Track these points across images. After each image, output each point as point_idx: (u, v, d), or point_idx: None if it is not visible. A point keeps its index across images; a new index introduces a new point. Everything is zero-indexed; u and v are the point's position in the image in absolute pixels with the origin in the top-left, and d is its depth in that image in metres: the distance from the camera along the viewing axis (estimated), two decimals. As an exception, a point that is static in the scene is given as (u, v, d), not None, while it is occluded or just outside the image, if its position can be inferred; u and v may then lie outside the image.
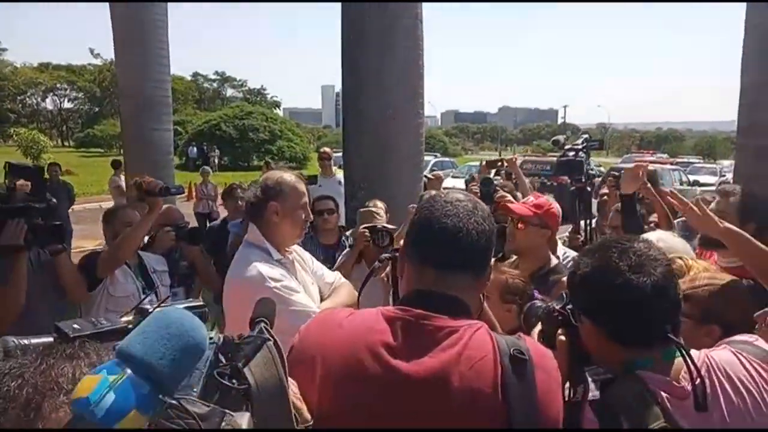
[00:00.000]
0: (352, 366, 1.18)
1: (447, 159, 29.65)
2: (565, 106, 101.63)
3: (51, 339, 1.08)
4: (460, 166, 22.65)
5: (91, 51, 61.97)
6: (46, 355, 0.88)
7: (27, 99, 57.61)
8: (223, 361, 1.01)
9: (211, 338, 1.00)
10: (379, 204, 3.68)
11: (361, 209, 3.59)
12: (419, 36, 4.98)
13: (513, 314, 2.18)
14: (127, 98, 8.09)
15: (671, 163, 20.81)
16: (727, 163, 34.56)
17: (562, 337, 1.35)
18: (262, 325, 1.11)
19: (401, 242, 1.51)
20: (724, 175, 23.92)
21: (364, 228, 3.35)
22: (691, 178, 19.10)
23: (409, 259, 1.30)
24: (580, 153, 4.00)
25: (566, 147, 4.05)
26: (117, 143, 41.00)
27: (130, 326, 1.17)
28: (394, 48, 4.82)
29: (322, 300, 2.41)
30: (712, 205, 3.01)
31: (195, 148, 32.94)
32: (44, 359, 0.87)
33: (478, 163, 19.58)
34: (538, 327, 1.47)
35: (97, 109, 57.95)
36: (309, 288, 2.35)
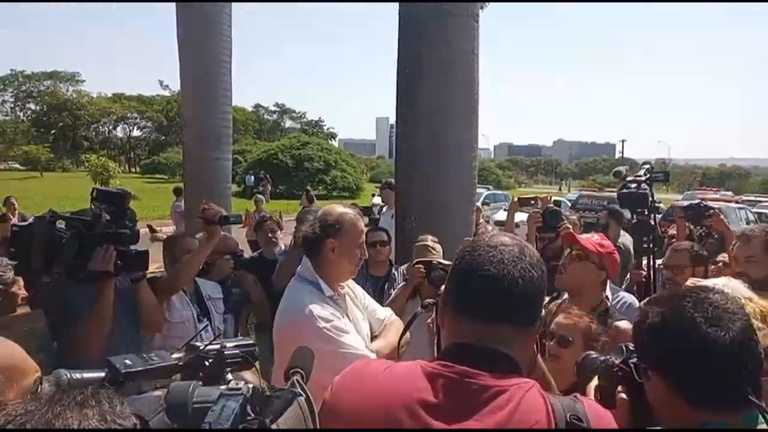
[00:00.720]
0: (389, 426, 1.09)
1: (500, 192, 29.34)
2: (623, 141, 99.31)
3: (102, 374, 1.10)
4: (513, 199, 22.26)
5: (161, 83, 65.42)
6: (56, 402, 0.84)
7: (100, 127, 60.89)
8: (251, 414, 0.99)
9: (238, 389, 0.98)
10: (430, 238, 3.65)
11: (417, 243, 3.57)
12: (475, 69, 4.98)
13: None
14: (190, 128, 8.38)
15: (737, 201, 19.85)
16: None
17: (624, 395, 1.26)
18: (296, 378, 1.08)
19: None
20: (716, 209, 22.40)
21: (420, 263, 3.32)
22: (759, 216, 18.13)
23: (450, 309, 1.21)
24: (643, 185, 3.86)
25: (628, 179, 3.92)
26: (180, 170, 42.64)
27: (180, 363, 1.18)
28: (449, 81, 4.83)
29: (372, 336, 2.39)
30: (735, 251, 2.87)
31: (252, 177, 33.85)
32: (52, 407, 0.83)
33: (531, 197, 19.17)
34: (595, 381, 1.39)
35: (163, 138, 60.63)
36: (360, 324, 2.32)
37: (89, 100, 60.16)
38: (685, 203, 4.68)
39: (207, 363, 1.20)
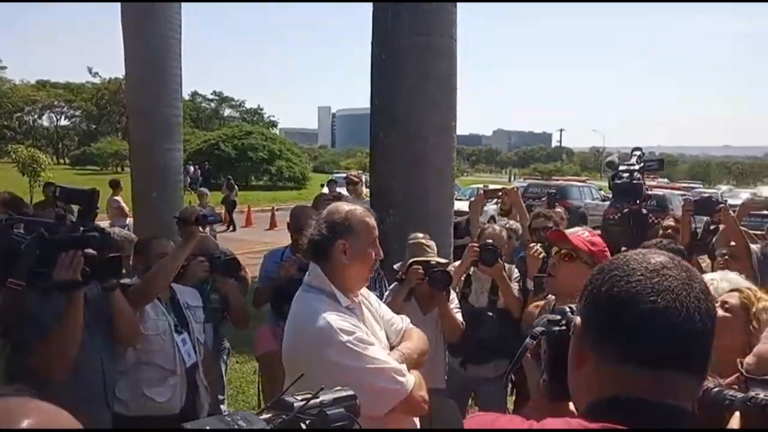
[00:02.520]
0: None
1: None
2: (561, 130, 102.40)
3: None
4: (463, 188, 22.39)
5: (89, 70, 61.88)
6: None
7: (24, 116, 57.38)
8: None
9: None
10: (421, 235, 3.43)
11: (410, 241, 3.33)
12: (454, 55, 4.79)
13: None
14: (138, 118, 7.85)
15: (678, 188, 20.67)
16: (725, 188, 34.75)
17: None
18: None
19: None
20: (725, 201, 23.78)
21: (417, 263, 3.10)
22: (697, 203, 18.94)
23: (599, 349, 0.95)
24: (635, 174, 3.76)
25: (620, 168, 3.82)
26: (113, 161, 40.76)
27: (273, 427, 0.92)
28: (428, 67, 4.62)
29: (391, 347, 2.15)
30: None
31: (192, 168, 32.70)
32: None
33: (480, 185, 19.43)
34: (736, 420, 1.19)
35: (94, 127, 57.74)
36: (378, 335, 2.08)
37: (11, 87, 56.46)
38: (695, 196, 4.61)
39: (304, 426, 0.93)
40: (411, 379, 1.90)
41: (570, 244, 2.37)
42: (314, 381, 1.08)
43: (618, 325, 0.92)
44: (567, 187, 19.82)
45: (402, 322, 2.28)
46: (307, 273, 2.10)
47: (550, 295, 2.68)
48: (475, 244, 3.43)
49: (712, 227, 4.19)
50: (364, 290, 2.19)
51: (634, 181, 3.67)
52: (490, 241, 3.44)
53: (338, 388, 1.05)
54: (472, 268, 3.53)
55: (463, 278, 3.56)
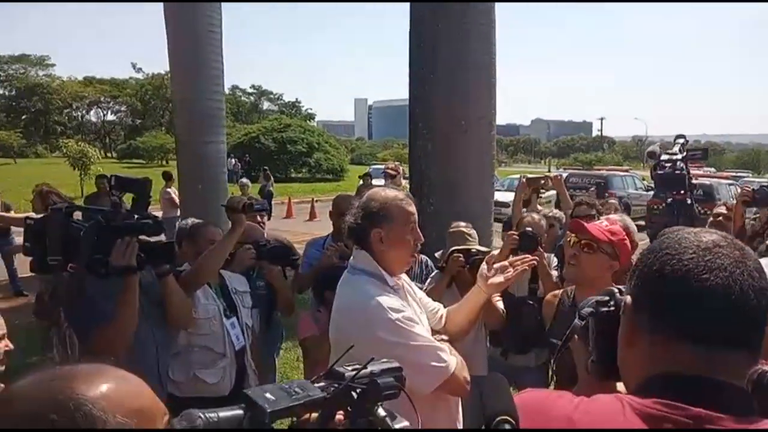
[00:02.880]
0: None
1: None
2: (601, 119, 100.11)
3: (240, 412, 0.90)
4: (502, 179, 22.19)
5: (134, 66, 63.88)
6: None
7: (73, 112, 59.41)
8: None
9: None
10: (463, 224, 3.46)
11: (451, 230, 3.37)
12: (493, 42, 4.77)
13: None
14: (182, 111, 8.06)
15: (726, 177, 20.02)
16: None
17: None
18: (507, 427, 0.84)
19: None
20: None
21: (458, 251, 3.14)
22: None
23: (650, 328, 0.94)
24: (679, 163, 3.68)
25: (663, 158, 3.73)
26: (159, 155, 41.85)
27: (328, 395, 0.98)
28: (467, 55, 4.62)
29: (433, 331, 2.20)
30: None
31: (233, 160, 33.29)
32: None
33: (518, 176, 19.17)
34: None
35: (139, 122, 59.37)
36: (420, 317, 2.12)
37: (60, 84, 58.44)
38: (755, 185, 4.38)
39: (355, 395, 0.99)
40: (454, 359, 1.95)
41: (589, 234, 2.37)
42: (362, 358, 1.12)
43: (670, 303, 0.92)
44: (609, 177, 19.42)
45: (435, 306, 2.33)
46: (351, 256, 2.15)
47: (567, 285, 2.68)
48: (514, 232, 3.38)
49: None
50: (405, 277, 2.23)
51: (677, 171, 3.58)
52: (529, 229, 3.41)
53: (385, 360, 1.09)
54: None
55: None
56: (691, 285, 0.90)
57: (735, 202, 4.41)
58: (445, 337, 2.18)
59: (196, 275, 2.89)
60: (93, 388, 0.77)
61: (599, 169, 28.49)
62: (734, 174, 27.62)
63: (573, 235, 2.46)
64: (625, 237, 2.44)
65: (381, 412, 1.00)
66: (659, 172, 3.73)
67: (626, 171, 25.40)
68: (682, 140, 3.85)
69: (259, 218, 4.04)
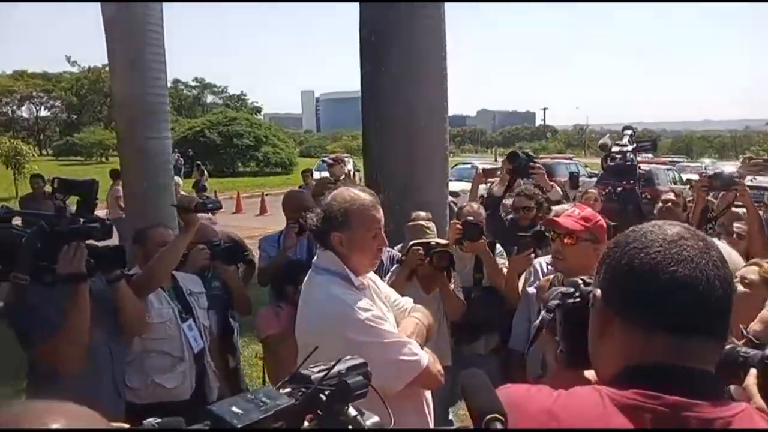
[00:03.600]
0: None
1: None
2: (544, 109, 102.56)
3: (206, 429, 0.84)
4: (451, 169, 22.42)
5: (68, 59, 60.85)
6: None
7: (2, 108, 56.35)
8: None
9: None
10: (422, 215, 3.46)
11: (410, 223, 3.36)
12: (443, 36, 4.77)
13: None
14: (122, 106, 7.73)
15: (664, 163, 20.89)
16: (708, 161, 35.06)
17: None
18: (498, 425, 0.82)
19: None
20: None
21: (417, 245, 3.13)
22: (684, 177, 19.09)
23: (623, 320, 0.97)
24: (629, 155, 3.79)
25: (613, 150, 3.84)
26: (98, 151, 40.20)
27: (298, 402, 0.94)
28: (419, 48, 4.60)
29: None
30: None
31: (176, 155, 32.32)
32: None
33: (469, 165, 19.41)
34: (752, 378, 1.23)
35: (75, 117, 56.85)
36: (386, 315, 2.10)
37: (-13, 78, 55.43)
38: (711, 172, 4.52)
39: (323, 397, 0.95)
40: (425, 354, 1.95)
41: (564, 228, 2.41)
42: (332, 358, 1.09)
43: (640, 296, 0.94)
44: (555, 165, 19.91)
45: (405, 302, 2.31)
46: (315, 256, 2.11)
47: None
48: (457, 222, 3.41)
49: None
50: (371, 274, 2.21)
51: (627, 162, 3.69)
52: (471, 218, 3.43)
53: (349, 357, 1.06)
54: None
55: None
56: (660, 277, 0.92)
57: (682, 188, 4.59)
58: (417, 318, 2.17)
59: (148, 279, 2.78)
60: (43, 426, 0.70)
61: (544, 158, 29.16)
62: (671, 159, 28.83)
63: (552, 231, 2.50)
64: (599, 218, 2.50)
65: (351, 411, 0.97)
66: (610, 163, 3.83)
67: (570, 159, 26.11)
68: (630, 131, 3.98)
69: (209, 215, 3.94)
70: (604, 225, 2.54)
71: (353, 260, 2.01)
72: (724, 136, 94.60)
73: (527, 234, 3.37)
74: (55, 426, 0.70)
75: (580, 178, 18.53)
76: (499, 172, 4.81)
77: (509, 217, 4.43)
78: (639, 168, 3.90)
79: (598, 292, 1.02)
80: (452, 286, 3.21)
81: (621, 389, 0.93)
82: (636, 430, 0.88)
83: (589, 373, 1.23)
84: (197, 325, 2.98)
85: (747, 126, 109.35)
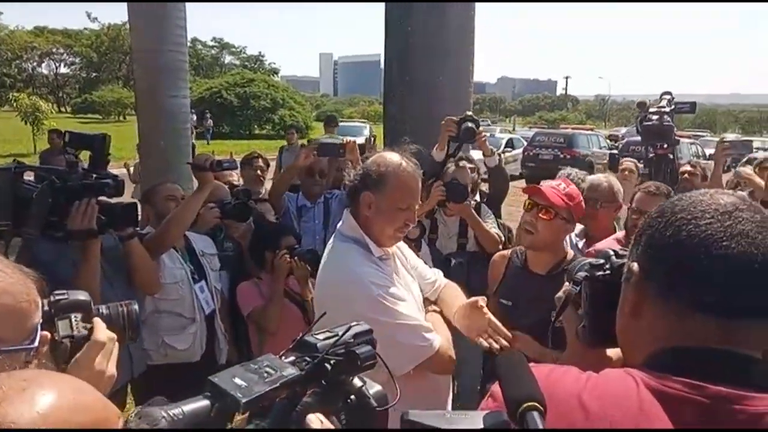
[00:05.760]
0: None
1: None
2: (567, 77, 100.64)
3: (207, 402, 0.78)
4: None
5: (88, 15, 60.67)
6: None
7: (22, 64, 56.48)
8: None
9: None
10: None
11: None
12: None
13: None
14: (142, 63, 7.64)
15: (687, 137, 20.41)
16: (732, 137, 34.31)
17: None
18: (536, 415, 0.72)
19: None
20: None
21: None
22: (707, 152, 18.67)
23: (663, 298, 0.87)
24: (665, 116, 3.64)
25: (651, 110, 3.69)
26: (116, 110, 40.32)
27: (304, 373, 0.87)
28: (445, 8, 4.43)
29: (425, 300, 2.11)
30: None
31: (195, 116, 32.25)
32: None
33: (489, 134, 19.14)
34: None
35: (94, 75, 56.90)
36: (411, 288, 2.03)
37: (8, 33, 55.33)
38: (731, 138, 4.42)
39: (329, 366, 0.89)
40: (438, 337, 1.87)
41: (547, 200, 2.29)
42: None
43: (687, 272, 0.84)
44: (575, 136, 19.57)
45: (432, 274, 2.23)
46: (341, 221, 2.04)
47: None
48: (441, 183, 3.24)
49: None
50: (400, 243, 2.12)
51: (665, 123, 3.53)
52: (456, 179, 3.24)
53: (354, 323, 0.99)
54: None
55: (428, 224, 3.37)
56: (711, 252, 0.82)
57: (705, 162, 4.46)
58: (437, 308, 2.09)
59: (161, 238, 2.73)
60: (27, 409, 0.63)
61: (564, 128, 28.71)
62: (694, 133, 28.26)
63: (529, 199, 2.37)
64: (581, 200, 2.38)
65: (357, 381, 0.92)
66: (646, 123, 3.67)
67: (590, 130, 25.67)
68: (668, 96, 3.82)
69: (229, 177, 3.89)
70: (583, 206, 2.41)
71: (377, 226, 1.92)
72: (751, 111, 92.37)
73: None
74: (41, 405, 0.64)
75: (602, 150, 18.29)
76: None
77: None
78: (677, 135, 3.72)
79: (636, 265, 0.92)
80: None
81: (657, 375, 0.84)
82: (672, 429, 0.79)
83: (613, 352, 1.15)
84: (209, 287, 2.94)
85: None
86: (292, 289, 3.06)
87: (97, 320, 1.15)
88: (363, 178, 1.92)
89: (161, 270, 2.75)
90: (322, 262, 2.00)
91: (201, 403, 0.77)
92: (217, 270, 3.06)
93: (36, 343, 0.99)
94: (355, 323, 1.00)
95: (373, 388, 0.92)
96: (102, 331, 1.14)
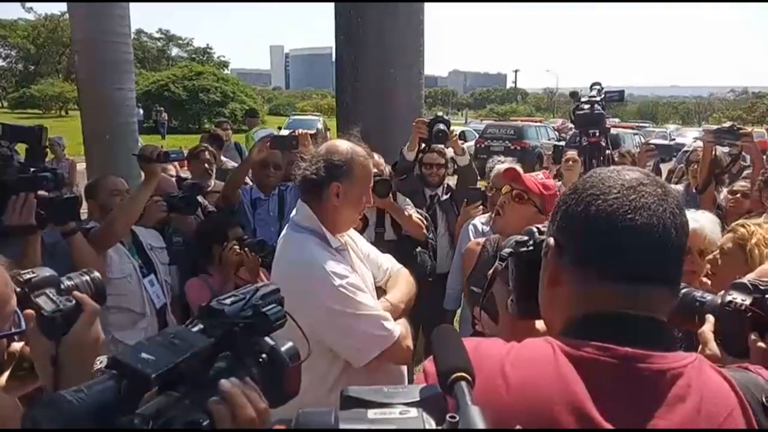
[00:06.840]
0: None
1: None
2: (516, 71, 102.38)
3: (112, 382, 0.76)
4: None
5: (23, 5, 57.77)
6: None
7: (-48, 56, 53.57)
8: None
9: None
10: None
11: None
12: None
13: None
14: (84, 54, 7.36)
15: (630, 128, 21.15)
16: (673, 128, 35.70)
17: (762, 344, 1.09)
18: (464, 385, 0.72)
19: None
20: (674, 139, 24.72)
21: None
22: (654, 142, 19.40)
23: (576, 269, 0.93)
24: (597, 105, 3.76)
25: (582, 100, 3.81)
26: (56, 104, 38.71)
27: (216, 341, 0.87)
28: (395, 5, 4.46)
29: (377, 287, 2.13)
30: None
31: (141, 110, 31.35)
32: None
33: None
34: (708, 325, 1.22)
35: (32, 68, 54.42)
36: (365, 276, 2.05)
37: (-65, 24, 52.40)
38: (675, 137, 4.64)
39: (238, 329, 0.89)
40: (398, 327, 1.89)
41: (523, 185, 2.33)
42: (303, 324, 1.05)
43: (596, 244, 0.91)
44: (524, 128, 20.01)
45: (386, 261, 2.25)
46: (294, 211, 2.03)
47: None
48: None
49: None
50: (352, 232, 2.15)
51: (596, 112, 3.66)
52: (381, 175, 3.22)
53: (261, 284, 0.98)
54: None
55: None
56: (617, 225, 0.89)
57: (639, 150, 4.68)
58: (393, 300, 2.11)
59: (107, 232, 2.67)
60: None
61: (514, 120, 29.28)
62: (637, 124, 29.28)
63: (505, 184, 2.42)
64: (556, 192, 2.43)
65: (268, 340, 0.91)
66: (578, 112, 3.79)
67: (539, 122, 26.24)
68: (598, 86, 3.95)
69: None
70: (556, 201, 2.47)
71: (344, 214, 1.95)
72: (689, 103, 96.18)
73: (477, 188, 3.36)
74: None
75: (551, 141, 18.74)
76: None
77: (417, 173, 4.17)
78: (607, 123, 3.85)
79: (551, 240, 0.98)
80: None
81: (572, 340, 0.90)
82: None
83: (540, 324, 1.20)
84: (159, 281, 2.89)
85: (711, 93, 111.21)
86: (243, 280, 3.04)
87: (75, 292, 1.14)
88: (328, 169, 1.91)
89: (107, 265, 2.69)
90: (277, 252, 1.99)
91: (106, 383, 0.75)
92: (166, 264, 3.02)
93: (23, 326, 1.06)
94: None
95: (285, 345, 0.92)
96: (89, 300, 1.13)
